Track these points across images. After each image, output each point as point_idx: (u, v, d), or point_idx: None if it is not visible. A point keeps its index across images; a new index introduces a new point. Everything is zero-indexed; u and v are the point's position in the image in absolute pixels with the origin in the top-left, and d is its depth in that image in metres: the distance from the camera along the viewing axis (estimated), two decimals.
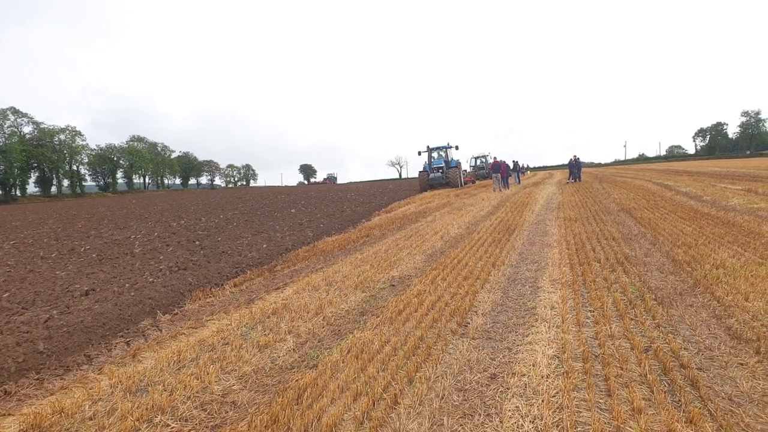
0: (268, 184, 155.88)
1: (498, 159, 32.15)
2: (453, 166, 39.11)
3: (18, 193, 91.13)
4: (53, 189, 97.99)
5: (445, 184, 37.30)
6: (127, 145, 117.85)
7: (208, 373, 4.42)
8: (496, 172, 29.71)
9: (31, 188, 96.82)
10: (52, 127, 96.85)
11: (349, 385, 3.98)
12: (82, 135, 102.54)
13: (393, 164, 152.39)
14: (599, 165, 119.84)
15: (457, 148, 39.92)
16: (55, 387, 4.75)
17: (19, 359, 5.38)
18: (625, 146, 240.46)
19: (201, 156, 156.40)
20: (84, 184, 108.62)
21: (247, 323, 5.83)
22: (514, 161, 40.58)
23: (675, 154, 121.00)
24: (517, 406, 3.50)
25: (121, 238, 15.29)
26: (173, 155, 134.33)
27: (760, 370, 3.84)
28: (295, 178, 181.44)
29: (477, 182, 46.79)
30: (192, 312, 6.74)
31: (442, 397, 3.70)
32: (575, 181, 32.65)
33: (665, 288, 6.17)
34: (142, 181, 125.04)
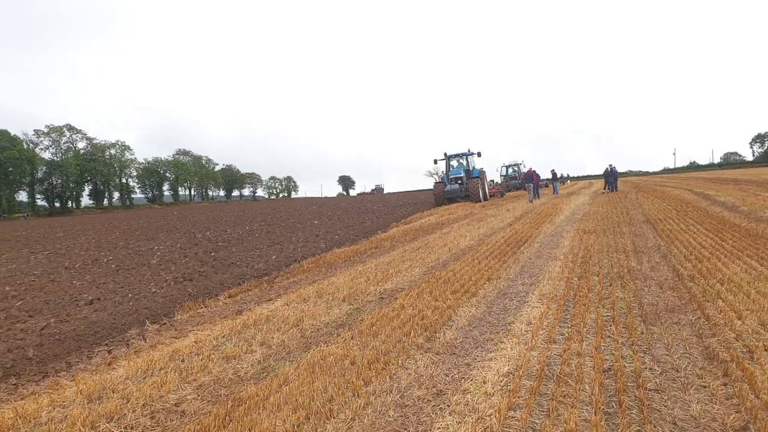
0: (308, 195, 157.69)
1: (531, 168, 31.51)
2: (475, 176, 32.98)
3: (73, 205, 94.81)
4: (105, 201, 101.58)
5: (465, 197, 31.71)
6: (173, 159, 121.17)
7: (167, 383, 4.41)
8: (530, 182, 29.16)
9: (86, 201, 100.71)
10: (103, 142, 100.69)
11: (291, 398, 3.90)
12: (131, 149, 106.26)
13: (431, 174, 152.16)
14: (645, 174, 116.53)
15: (479, 154, 33.08)
16: (27, 393, 4.85)
17: (7, 365, 5.54)
18: (674, 154, 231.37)
19: (244, 169, 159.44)
20: (133, 196, 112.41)
21: (225, 334, 5.82)
22: (552, 171, 39.83)
23: (731, 161, 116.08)
24: (448, 424, 3.35)
25: (145, 249, 15.66)
26: (217, 168, 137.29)
27: (720, 393, 3.58)
28: (334, 189, 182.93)
29: (506, 195, 40.41)
30: (180, 322, 6.79)
31: (378, 413, 3.58)
32: (611, 190, 31.76)
33: (657, 304, 5.88)
34: (187, 193, 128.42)
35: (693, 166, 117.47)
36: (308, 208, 39.44)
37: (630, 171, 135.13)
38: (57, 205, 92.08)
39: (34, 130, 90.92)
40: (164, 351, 5.41)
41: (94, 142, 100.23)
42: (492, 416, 3.39)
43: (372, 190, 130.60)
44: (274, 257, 11.83)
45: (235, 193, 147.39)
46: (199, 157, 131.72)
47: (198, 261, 12.11)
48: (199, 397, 4.11)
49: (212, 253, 13.37)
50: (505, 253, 10.10)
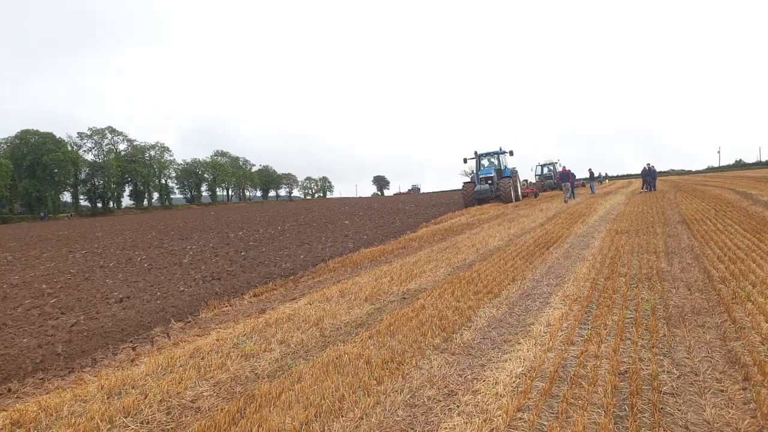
0: (343, 196, 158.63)
1: (566, 167, 30.90)
2: (507, 175, 31.20)
3: (114, 205, 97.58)
4: (145, 202, 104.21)
5: (495, 198, 30.16)
6: (211, 160, 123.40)
7: (185, 379, 4.52)
8: (566, 181, 28.70)
9: (127, 201, 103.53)
10: (143, 144, 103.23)
11: (303, 396, 3.95)
12: (170, 150, 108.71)
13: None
14: (688, 173, 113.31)
15: (511, 153, 31.96)
16: (52, 387, 5.03)
17: (37, 360, 5.76)
18: (718, 152, 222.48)
19: (281, 169, 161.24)
20: (172, 196, 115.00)
21: (246, 333, 5.92)
22: (589, 170, 39.05)
23: None
24: (455, 425, 3.35)
25: (178, 248, 16.05)
26: (254, 169, 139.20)
27: (738, 398, 3.49)
28: (369, 190, 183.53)
29: (540, 195, 39.03)
30: (204, 321, 6.94)
31: (387, 413, 3.60)
32: (649, 190, 31.04)
33: (684, 306, 5.75)
34: (225, 193, 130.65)
35: (739, 165, 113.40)
36: (341, 208, 39.68)
37: (672, 170, 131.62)
38: (99, 205, 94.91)
39: (78, 133, 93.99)
40: (186, 348, 5.54)
41: (135, 143, 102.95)
42: (499, 417, 3.38)
43: (408, 190, 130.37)
44: (302, 257, 11.97)
45: (272, 193, 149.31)
46: (237, 158, 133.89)
47: (228, 260, 12.34)
48: (215, 394, 4.20)
49: (242, 253, 13.60)
50: (533, 253, 10.00)
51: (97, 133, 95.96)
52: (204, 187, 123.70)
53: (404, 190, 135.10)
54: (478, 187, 30.12)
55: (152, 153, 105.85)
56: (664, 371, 4.02)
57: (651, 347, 4.56)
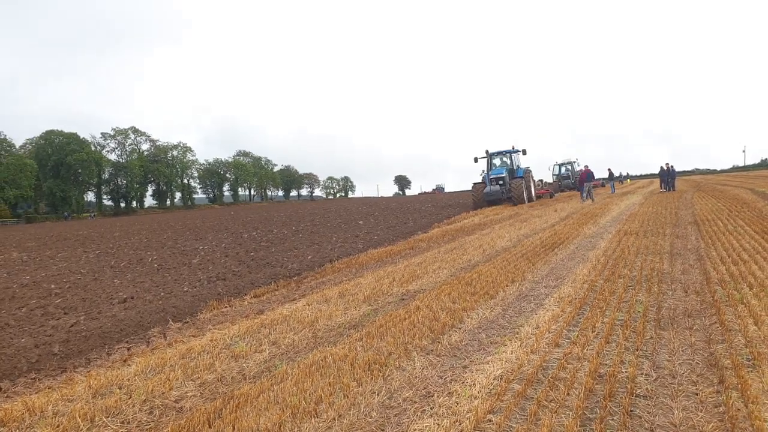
0: (364, 195, 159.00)
1: (587, 166, 30.50)
2: (519, 176, 29.63)
3: (137, 205, 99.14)
4: (168, 201, 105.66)
5: (507, 199, 28.72)
6: (233, 160, 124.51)
7: (172, 380, 4.66)
8: (588, 181, 28.35)
9: (150, 201, 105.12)
10: (166, 144, 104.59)
11: (281, 396, 4.05)
12: (192, 150, 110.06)
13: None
14: (712, 172, 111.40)
15: (524, 152, 30.48)
16: (43, 387, 5.18)
17: (32, 360, 5.93)
18: (744, 151, 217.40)
19: (303, 169, 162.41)
20: (195, 196, 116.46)
21: (240, 334, 6.05)
22: (609, 169, 38.70)
23: None
24: (424, 426, 3.42)
25: (190, 248, 16.32)
26: (275, 169, 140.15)
27: (709, 401, 3.52)
28: (390, 189, 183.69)
29: (557, 195, 38.49)
30: (202, 321, 7.08)
31: (361, 414, 3.68)
32: (668, 190, 30.69)
33: (676, 308, 5.76)
34: (247, 193, 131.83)
35: (765, 164, 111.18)
36: (359, 208, 39.84)
37: (696, 169, 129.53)
38: (122, 205, 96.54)
39: (101, 133, 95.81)
40: (179, 349, 5.68)
41: (157, 143, 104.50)
42: (468, 419, 3.44)
43: (433, 189, 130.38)
44: (309, 257, 12.11)
45: (293, 193, 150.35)
46: (259, 158, 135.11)
47: (236, 261, 12.52)
48: (199, 394, 4.32)
49: (251, 253, 13.78)
50: (537, 254, 10.01)
51: (120, 134, 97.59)
52: (226, 187, 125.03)
53: (428, 189, 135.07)
54: (488, 188, 28.73)
55: (174, 153, 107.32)
56: (642, 374, 4.06)
57: (635, 350, 4.59)
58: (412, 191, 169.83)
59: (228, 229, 24.04)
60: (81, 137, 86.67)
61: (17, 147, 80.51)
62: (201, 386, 4.52)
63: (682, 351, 4.48)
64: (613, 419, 3.37)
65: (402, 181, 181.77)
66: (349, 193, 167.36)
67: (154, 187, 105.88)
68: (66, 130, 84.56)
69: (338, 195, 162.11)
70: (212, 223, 30.76)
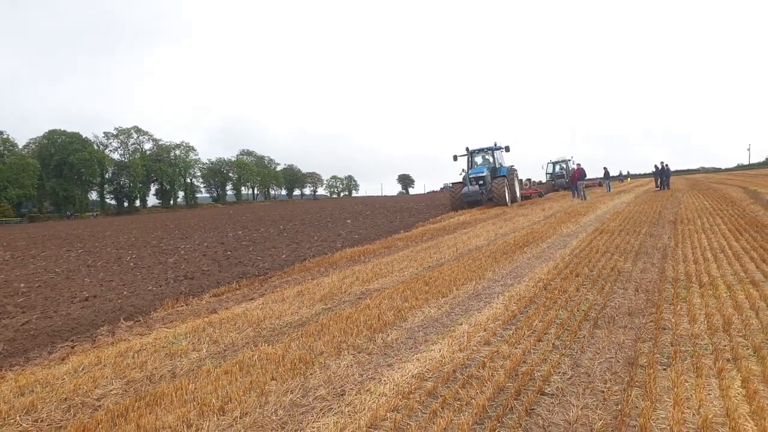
0: (368, 194, 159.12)
1: (579, 165, 30.31)
2: (502, 174, 27.34)
3: (140, 204, 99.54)
4: (171, 201, 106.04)
5: (488, 200, 26.46)
6: (236, 159, 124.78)
7: (99, 378, 4.68)
8: (581, 180, 28.29)
9: (153, 200, 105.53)
10: (168, 143, 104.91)
11: (195, 394, 4.06)
12: (195, 150, 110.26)
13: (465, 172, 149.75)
14: (718, 170, 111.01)
15: (507, 149, 28.13)
16: None
17: None
18: (748, 149, 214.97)
19: (308, 168, 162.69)
20: (198, 195, 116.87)
21: (185, 332, 6.06)
22: (604, 168, 38.55)
23: None
24: (323, 425, 3.43)
25: (171, 248, 16.38)
26: (278, 168, 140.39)
27: (612, 399, 3.52)
28: (395, 188, 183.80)
29: (549, 195, 37.36)
30: (154, 320, 7.08)
31: (267, 412, 3.68)
32: (662, 189, 30.58)
33: (621, 307, 5.75)
34: (250, 192, 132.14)
35: None
36: (354, 206, 39.87)
37: (702, 168, 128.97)
38: (125, 204, 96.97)
39: (104, 132, 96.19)
40: (119, 347, 5.70)
41: (160, 143, 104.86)
42: (367, 417, 3.45)
43: (441, 188, 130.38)
44: (284, 256, 12.10)
45: (297, 192, 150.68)
46: (262, 158, 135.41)
47: (211, 260, 12.53)
48: (123, 392, 4.33)
49: (229, 252, 13.80)
50: (506, 253, 9.99)
51: (123, 133, 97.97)
52: (229, 186, 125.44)
53: (437, 188, 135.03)
54: (466, 188, 26.39)
55: (177, 152, 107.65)
56: (559, 372, 4.05)
57: (563, 348, 4.59)
58: (416, 190, 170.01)
59: (217, 228, 24.10)
60: (84, 137, 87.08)
61: (20, 147, 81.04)
62: (127, 384, 4.54)
63: (608, 350, 4.48)
64: (510, 417, 3.37)
65: (405, 180, 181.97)
66: (353, 192, 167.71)
67: (157, 187, 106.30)
68: (71, 131, 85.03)
69: (342, 194, 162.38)
70: (206, 222, 30.83)
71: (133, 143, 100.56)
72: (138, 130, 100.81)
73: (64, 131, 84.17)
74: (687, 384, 3.64)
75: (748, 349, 4.23)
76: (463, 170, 28.49)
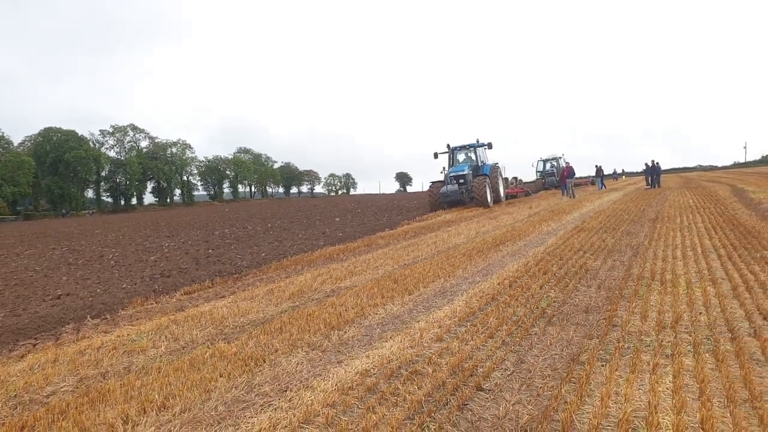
0: (366, 192, 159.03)
1: (568, 163, 30.34)
2: (485, 173, 25.53)
3: (136, 202, 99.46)
4: (168, 199, 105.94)
5: (470, 200, 24.67)
6: (233, 157, 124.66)
7: (53, 375, 4.72)
8: (569, 178, 28.38)
9: (150, 198, 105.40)
10: (165, 141, 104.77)
11: (141, 391, 4.10)
12: (192, 148, 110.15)
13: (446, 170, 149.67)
14: (714, 168, 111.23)
15: (490, 146, 26.34)
16: None
17: None
18: (744, 147, 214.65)
19: (306, 166, 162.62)
20: (196, 193, 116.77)
21: (149, 330, 6.10)
22: (597, 166, 38.50)
23: None
24: (259, 421, 3.48)
25: (155, 246, 16.43)
26: (275, 165, 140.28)
27: (545, 394, 3.57)
28: (393, 186, 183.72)
29: (540, 193, 36.12)
30: (122, 318, 7.11)
31: (208, 408, 3.71)
32: (653, 187, 30.66)
33: (580, 304, 5.82)
34: (248, 190, 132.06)
35: (766, 160, 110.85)
36: (346, 205, 39.85)
37: (699, 165, 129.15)
38: (122, 202, 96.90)
39: (100, 130, 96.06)
40: (81, 345, 5.73)
41: (156, 141, 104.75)
42: (300, 413, 3.49)
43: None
44: (263, 255, 12.13)
45: (294, 190, 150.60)
46: (259, 155, 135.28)
47: (191, 258, 12.56)
48: (74, 389, 4.37)
49: (211, 250, 13.82)
50: (482, 251, 10.05)
51: (119, 131, 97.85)
52: (226, 184, 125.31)
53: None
54: (444, 188, 24.62)
55: (174, 150, 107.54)
56: (501, 369, 4.11)
57: (513, 345, 4.65)
58: (414, 188, 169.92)
59: (206, 226, 24.11)
60: (80, 134, 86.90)
61: (15, 144, 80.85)
62: (79, 381, 4.58)
63: (555, 346, 4.53)
64: (441, 412, 3.42)
65: (403, 178, 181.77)
66: (351, 190, 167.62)
67: (153, 184, 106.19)
68: (65, 128, 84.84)
69: (340, 192, 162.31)
70: (198, 220, 30.85)
71: (130, 141, 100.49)
72: (134, 128, 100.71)
73: (60, 129, 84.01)
74: (620, 379, 3.70)
75: (689, 345, 4.29)
76: (444, 168, 27.07)
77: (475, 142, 27.04)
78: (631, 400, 3.37)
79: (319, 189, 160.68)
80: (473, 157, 27.32)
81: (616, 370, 3.85)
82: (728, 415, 3.09)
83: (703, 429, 2.94)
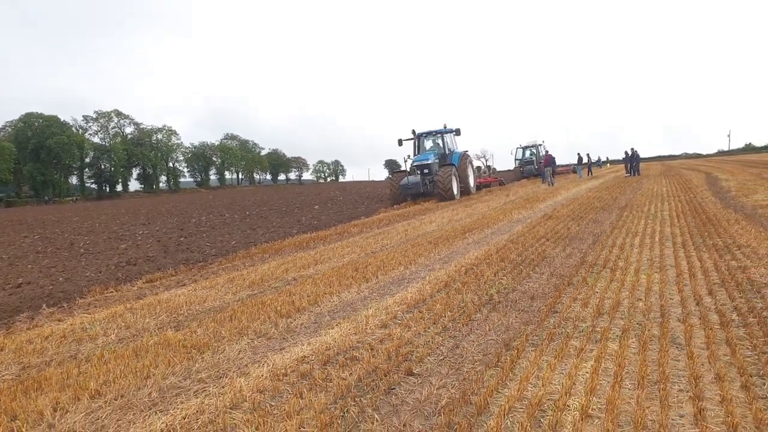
0: (356, 179, 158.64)
1: (548, 151, 30.50)
2: (452, 162, 23.07)
3: (121, 188, 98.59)
4: (153, 185, 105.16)
5: (434, 192, 22.21)
6: (219, 143, 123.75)
7: None
8: (548, 167, 28.60)
9: (136, 185, 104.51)
10: (150, 127, 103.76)
11: (78, 379, 4.15)
12: (177, 134, 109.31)
13: (478, 158, 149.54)
14: (699, 156, 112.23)
15: (458, 132, 24.14)
16: None
17: None
18: (728, 136, 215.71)
19: (295, 153, 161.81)
20: (182, 180, 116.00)
21: (103, 318, 6.14)
22: (578, 154, 38.57)
23: None
24: (189, 405, 3.54)
25: (129, 233, 16.40)
26: (263, 152, 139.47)
27: (472, 378, 3.67)
28: (383, 173, 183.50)
29: (520, 181, 34.52)
30: (80, 306, 7.11)
31: (141, 395, 3.76)
32: (632, 174, 30.92)
33: (528, 291, 5.92)
34: (235, 176, 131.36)
35: (749, 148, 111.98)
36: (329, 192, 39.71)
37: (685, 153, 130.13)
38: (107, 188, 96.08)
39: (83, 116, 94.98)
40: (31, 333, 5.76)
41: (141, 127, 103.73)
42: (226, 400, 3.56)
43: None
44: (233, 243, 12.14)
45: (282, 177, 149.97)
46: (246, 142, 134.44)
47: (161, 246, 12.55)
48: (15, 378, 4.41)
49: (183, 238, 13.80)
50: (448, 239, 10.15)
51: (103, 116, 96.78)
52: (213, 171, 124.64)
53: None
54: (406, 179, 22.23)
55: (159, 136, 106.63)
56: (436, 354, 4.21)
57: (453, 330, 4.75)
58: None
59: (184, 213, 24.00)
60: (62, 120, 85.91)
61: None
62: (22, 370, 4.62)
63: (493, 332, 4.63)
64: (367, 397, 3.51)
65: (392, 165, 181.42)
66: (340, 177, 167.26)
67: (139, 171, 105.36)
68: (46, 114, 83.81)
69: (329, 179, 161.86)
70: (179, 207, 30.74)
71: (114, 127, 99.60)
72: (119, 114, 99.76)
73: (41, 114, 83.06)
74: (544, 364, 3.81)
75: (619, 330, 4.40)
76: (408, 156, 24.49)
77: (442, 128, 24.53)
78: (549, 383, 3.47)
79: (307, 176, 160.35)
80: (440, 144, 25.05)
81: (543, 354, 3.97)
82: (634, 397, 3.20)
83: (607, 410, 3.05)
